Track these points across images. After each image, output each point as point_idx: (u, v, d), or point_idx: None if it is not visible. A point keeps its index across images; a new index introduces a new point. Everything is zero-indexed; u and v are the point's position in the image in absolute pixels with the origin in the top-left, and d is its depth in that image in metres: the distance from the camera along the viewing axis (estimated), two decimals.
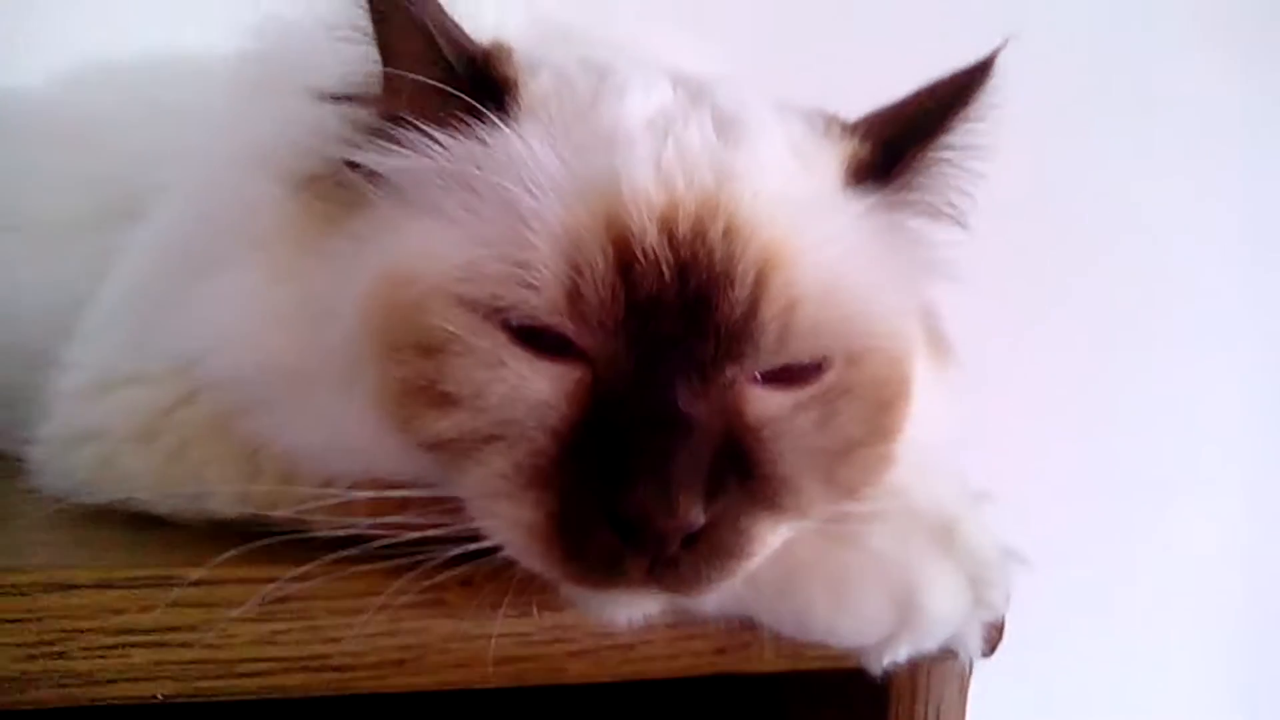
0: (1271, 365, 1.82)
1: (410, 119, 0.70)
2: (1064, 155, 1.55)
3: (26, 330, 0.94)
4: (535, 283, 0.66)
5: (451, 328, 0.67)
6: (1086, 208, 1.63)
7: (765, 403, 0.70)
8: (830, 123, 0.77)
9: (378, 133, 0.71)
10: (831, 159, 0.74)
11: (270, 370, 0.72)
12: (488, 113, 0.69)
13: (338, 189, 0.72)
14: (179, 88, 1.01)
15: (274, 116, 0.77)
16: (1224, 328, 1.78)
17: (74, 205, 1.00)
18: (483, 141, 0.69)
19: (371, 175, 0.71)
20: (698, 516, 0.64)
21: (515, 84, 0.71)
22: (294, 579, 0.66)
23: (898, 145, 0.75)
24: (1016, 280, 1.41)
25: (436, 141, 0.69)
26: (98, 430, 0.79)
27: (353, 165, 0.72)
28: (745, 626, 0.74)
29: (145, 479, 0.76)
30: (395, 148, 0.70)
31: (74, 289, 0.90)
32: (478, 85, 0.70)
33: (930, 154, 0.75)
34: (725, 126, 0.72)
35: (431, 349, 0.67)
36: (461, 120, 0.70)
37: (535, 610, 0.70)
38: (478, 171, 0.69)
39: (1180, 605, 1.81)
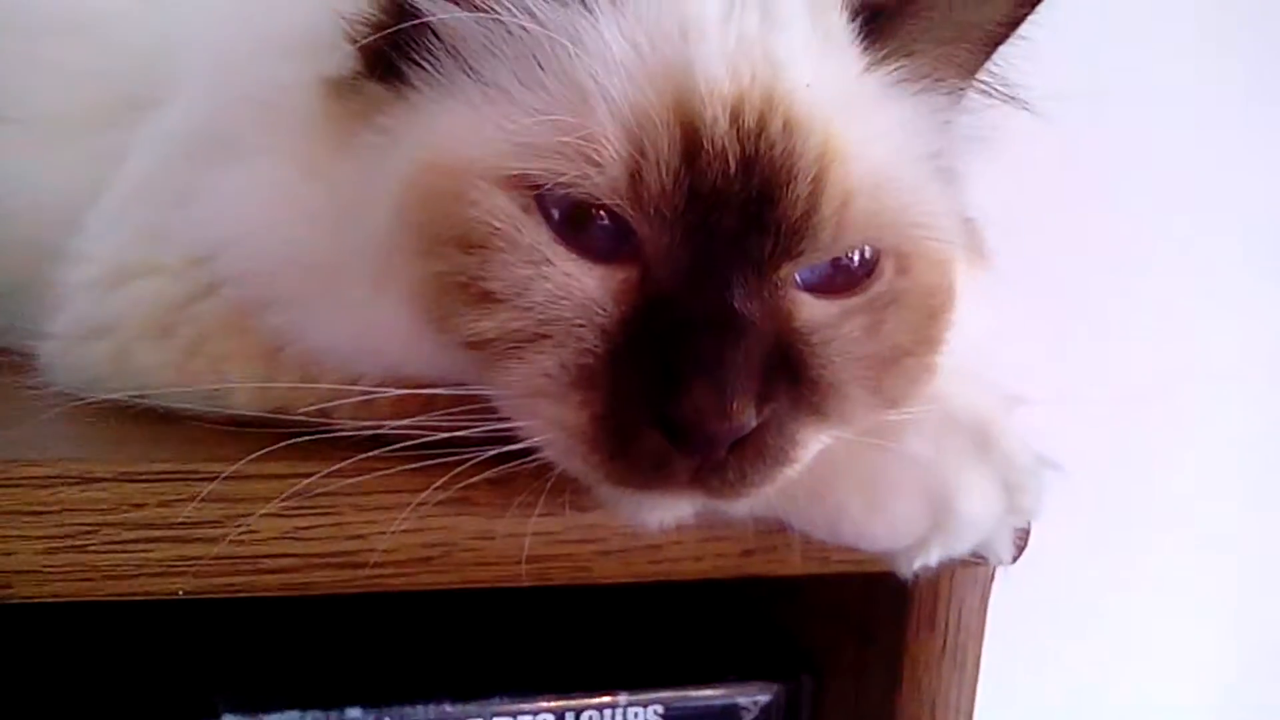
0: None
1: None
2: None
3: (32, 224, 0.91)
4: (598, 159, 0.64)
5: (495, 221, 0.65)
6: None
7: (814, 309, 0.68)
8: None
9: None
10: (857, 35, 0.72)
11: (294, 264, 0.70)
12: None
13: (368, 82, 0.70)
14: None
15: (300, 5, 0.74)
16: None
17: (81, 98, 0.97)
18: (564, 10, 0.66)
19: (404, 65, 0.69)
20: (750, 419, 0.63)
21: None
22: (324, 477, 0.65)
23: (918, 3, 0.73)
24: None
25: (518, 1, 0.66)
26: (111, 324, 0.77)
27: (383, 60, 0.69)
28: (773, 529, 0.74)
29: (161, 374, 0.74)
30: (471, 2, 0.67)
31: (83, 182, 0.87)
32: None
33: (959, 9, 0.73)
34: (765, 13, 0.70)
35: (473, 244, 0.65)
36: None
37: (568, 509, 0.69)
38: (547, 42, 0.66)
39: (1195, 522, 1.81)
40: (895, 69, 0.72)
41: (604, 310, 0.65)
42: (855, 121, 0.68)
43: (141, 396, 0.74)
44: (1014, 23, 0.73)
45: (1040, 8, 0.73)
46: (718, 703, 0.89)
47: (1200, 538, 1.80)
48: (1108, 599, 1.75)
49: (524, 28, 0.66)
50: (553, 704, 0.85)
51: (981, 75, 0.76)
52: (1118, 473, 1.64)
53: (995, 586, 0.82)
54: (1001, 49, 0.75)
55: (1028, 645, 1.38)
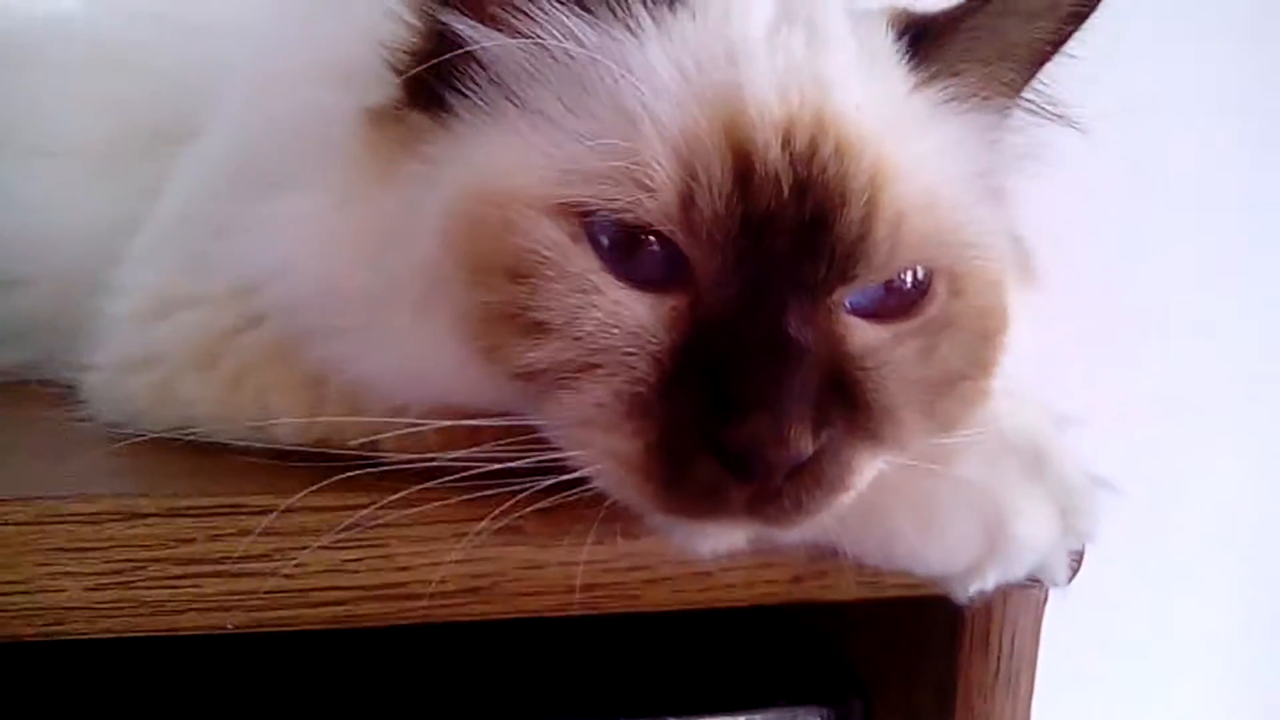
0: None
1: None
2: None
3: (71, 256, 0.92)
4: (650, 183, 0.63)
5: (544, 250, 0.64)
6: None
7: (867, 333, 0.68)
8: (896, 16, 0.74)
9: (492, 18, 0.67)
10: (903, 55, 0.72)
11: (339, 295, 0.69)
12: (643, 2, 0.67)
13: (411, 111, 0.69)
14: (226, 9, 0.98)
15: (340, 36, 0.74)
16: None
17: (119, 130, 0.97)
18: (610, 35, 0.66)
19: (446, 94, 0.68)
20: (808, 447, 0.63)
21: None
22: (377, 509, 0.64)
23: (965, 24, 0.72)
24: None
25: (563, 26, 0.66)
26: (154, 356, 0.77)
27: (425, 89, 0.69)
28: (824, 555, 0.73)
29: (204, 407, 0.75)
30: (513, 29, 0.67)
31: (121, 214, 0.88)
32: None
33: (1004, 30, 0.73)
34: (812, 35, 0.69)
35: (521, 273, 0.64)
36: (607, 4, 0.67)
37: (618, 538, 0.68)
38: (593, 67, 0.66)
39: (1239, 539, 1.79)
40: (942, 88, 0.72)
41: (656, 338, 0.64)
42: (905, 141, 0.68)
43: (185, 430, 0.73)
44: (1059, 41, 0.73)
45: (1085, 26, 0.72)
46: None
47: (1243, 554, 1.78)
48: (1153, 619, 1.73)
49: (569, 53, 0.66)
50: None
51: (1028, 93, 0.75)
52: (1162, 490, 1.62)
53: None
54: (1047, 67, 0.74)
55: (1076, 668, 1.35)
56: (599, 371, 0.64)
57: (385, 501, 0.65)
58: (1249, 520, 1.78)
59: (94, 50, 1.04)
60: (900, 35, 0.73)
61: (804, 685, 0.91)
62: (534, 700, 0.85)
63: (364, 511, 0.65)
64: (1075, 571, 0.76)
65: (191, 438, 0.74)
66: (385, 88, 0.70)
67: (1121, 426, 1.07)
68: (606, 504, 0.67)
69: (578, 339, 0.64)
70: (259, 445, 0.72)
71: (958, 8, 0.74)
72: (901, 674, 0.87)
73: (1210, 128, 1.61)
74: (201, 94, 0.87)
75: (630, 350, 0.64)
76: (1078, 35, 0.72)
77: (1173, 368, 1.64)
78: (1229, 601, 1.80)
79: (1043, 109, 0.76)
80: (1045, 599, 0.80)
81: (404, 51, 0.69)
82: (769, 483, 0.63)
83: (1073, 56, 0.74)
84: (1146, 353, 1.62)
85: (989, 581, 0.72)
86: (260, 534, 0.64)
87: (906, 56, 0.72)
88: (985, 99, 0.73)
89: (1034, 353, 0.76)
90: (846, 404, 0.66)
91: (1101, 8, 0.71)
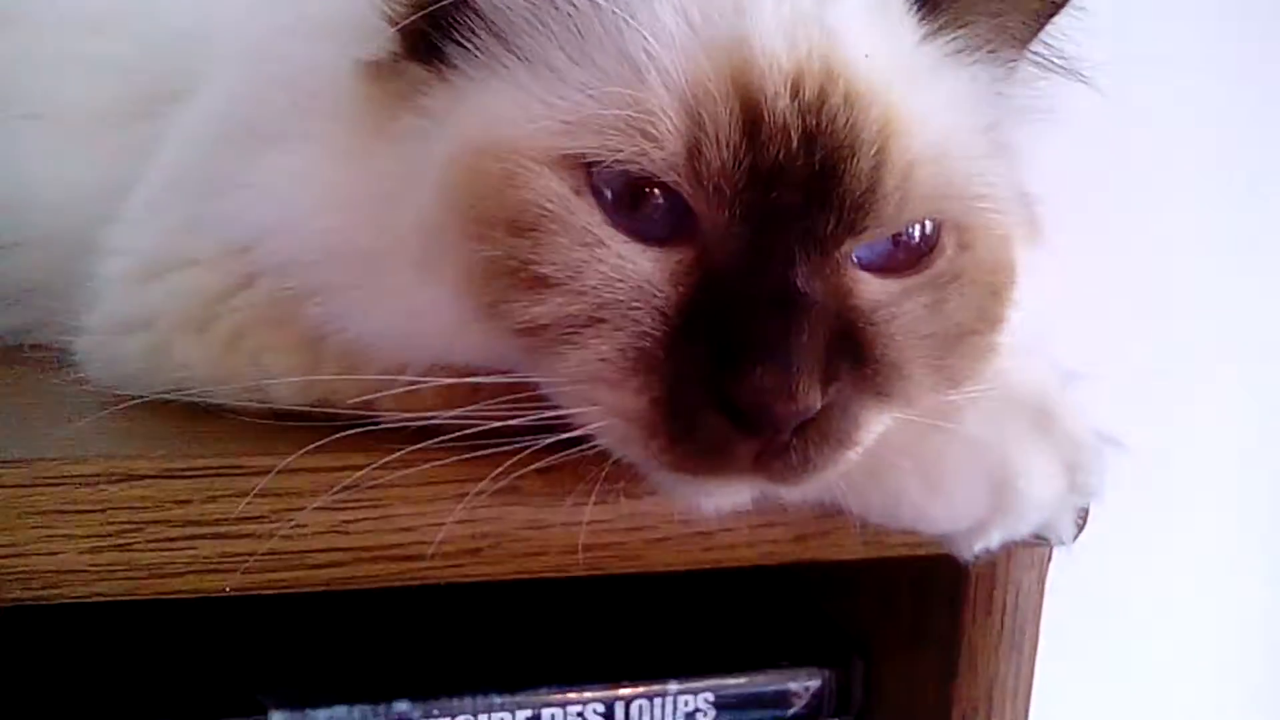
0: None
1: None
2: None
3: (65, 219, 0.90)
4: (655, 133, 0.62)
5: (546, 203, 0.63)
6: None
7: (876, 287, 0.67)
8: None
9: None
10: (911, 6, 0.71)
11: (336, 253, 0.68)
12: None
13: (409, 64, 0.68)
14: None
15: None
16: None
17: (112, 92, 0.96)
18: None
19: (445, 45, 0.67)
20: (816, 401, 0.62)
21: None
22: (374, 470, 0.64)
23: None
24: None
25: None
26: (148, 318, 0.76)
27: (424, 40, 0.68)
28: (828, 514, 0.72)
29: (200, 368, 0.73)
30: None
31: (115, 176, 0.86)
32: None
33: None
34: None
35: (523, 226, 0.63)
36: None
37: (620, 497, 0.68)
38: (597, 17, 0.65)
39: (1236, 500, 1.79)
40: (951, 39, 0.71)
41: (661, 292, 0.64)
42: (915, 92, 0.67)
43: (180, 392, 0.73)
44: None
45: None
46: (768, 689, 0.88)
47: (1246, 512, 1.78)
48: (1156, 580, 1.74)
49: (572, 2, 0.65)
50: (602, 694, 0.84)
51: (1036, 47, 0.74)
52: (1167, 446, 1.62)
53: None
54: (1056, 20, 0.73)
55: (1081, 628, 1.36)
56: (603, 326, 0.64)
57: (383, 462, 0.64)
58: (1254, 477, 1.79)
59: (83, 11, 1.02)
60: None
61: (806, 646, 0.91)
62: (532, 663, 0.84)
63: (361, 472, 0.64)
64: (1081, 529, 0.76)
65: (187, 399, 0.72)
66: (382, 40, 0.69)
67: (1129, 383, 1.07)
68: (608, 463, 0.66)
69: (581, 293, 0.63)
70: (256, 406, 0.71)
71: None
72: (904, 634, 0.87)
73: (1215, 86, 1.59)
74: (194, 54, 0.86)
75: (635, 305, 0.63)
76: None
77: (1179, 326, 1.63)
78: (1232, 560, 1.80)
79: (1051, 62, 0.75)
80: (1050, 557, 0.80)
81: (402, 3, 0.67)
82: (777, 437, 0.62)
83: (1081, 9, 0.73)
84: (1153, 311, 1.62)
85: (994, 540, 0.72)
86: (257, 495, 0.63)
87: (915, 7, 0.70)
88: (994, 51, 0.72)
89: (1042, 309, 0.75)
90: (854, 359, 0.65)
91: None
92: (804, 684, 0.88)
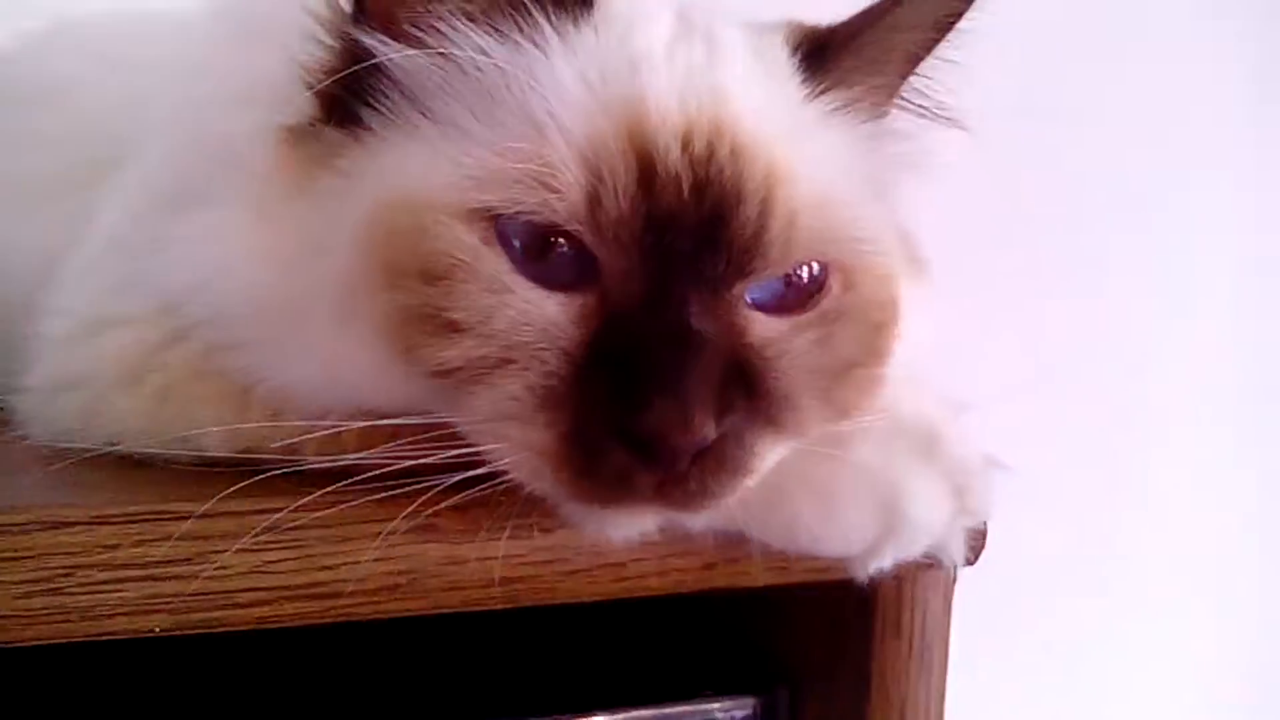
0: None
1: (454, 14, 0.70)
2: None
3: (10, 284, 0.93)
4: (557, 185, 0.67)
5: (456, 253, 0.67)
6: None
7: (767, 325, 0.71)
8: (791, 31, 0.78)
9: (403, 34, 0.70)
10: (796, 69, 0.76)
11: (260, 306, 0.72)
12: (548, 19, 0.70)
13: (325, 128, 0.72)
14: (150, 42, 1.01)
15: (258, 59, 0.76)
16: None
17: (50, 163, 0.99)
18: (517, 50, 0.70)
19: (359, 109, 0.71)
20: (710, 431, 0.66)
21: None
22: (292, 511, 0.67)
23: (855, 41, 0.76)
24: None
25: (471, 41, 0.70)
26: (84, 376, 0.79)
27: (339, 105, 0.72)
28: (734, 542, 0.76)
29: (133, 421, 0.76)
30: (423, 44, 0.70)
31: (55, 242, 0.89)
32: None
33: (890, 44, 0.77)
34: (710, 48, 0.73)
35: (436, 275, 0.67)
36: (514, 21, 0.70)
37: (534, 531, 0.71)
38: (503, 81, 0.69)
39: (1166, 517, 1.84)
40: (833, 98, 0.76)
41: (566, 334, 0.68)
42: (797, 145, 0.72)
43: (115, 445, 0.75)
44: (934, 46, 0.77)
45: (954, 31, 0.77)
46: (696, 719, 0.90)
47: (1155, 520, 1.86)
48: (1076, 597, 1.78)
49: (478, 67, 0.70)
50: None
51: (914, 97, 0.79)
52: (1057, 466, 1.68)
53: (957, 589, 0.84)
54: (933, 74, 0.79)
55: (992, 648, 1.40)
56: (512, 367, 0.67)
57: (300, 503, 0.67)
58: (1154, 493, 1.84)
59: (22, 88, 1.06)
60: (795, 50, 0.77)
61: (731, 676, 0.93)
62: (463, 698, 0.87)
63: (280, 514, 0.67)
64: (977, 551, 0.79)
65: (121, 453, 0.75)
66: (300, 106, 0.73)
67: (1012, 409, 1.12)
68: (520, 498, 0.70)
69: (491, 336, 0.67)
70: (187, 456, 0.74)
71: (849, 23, 0.78)
72: (822, 661, 0.90)
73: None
74: (130, 123, 0.89)
75: (542, 346, 0.67)
76: (951, 40, 0.77)
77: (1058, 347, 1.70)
78: (1146, 574, 1.85)
79: (929, 111, 0.80)
80: (954, 580, 0.83)
81: (317, 69, 0.72)
82: (675, 466, 0.66)
83: (952, 61, 0.78)
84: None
85: (886, 560, 0.75)
86: (180, 538, 0.66)
87: (798, 69, 0.75)
88: (874, 106, 0.77)
89: (929, 342, 0.79)
90: (748, 392, 0.69)
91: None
92: (730, 713, 0.91)
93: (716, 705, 0.91)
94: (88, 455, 0.75)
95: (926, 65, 0.78)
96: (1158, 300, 1.82)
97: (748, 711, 0.91)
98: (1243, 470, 1.93)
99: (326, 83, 0.72)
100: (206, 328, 0.75)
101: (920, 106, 0.80)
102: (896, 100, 0.79)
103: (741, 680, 0.93)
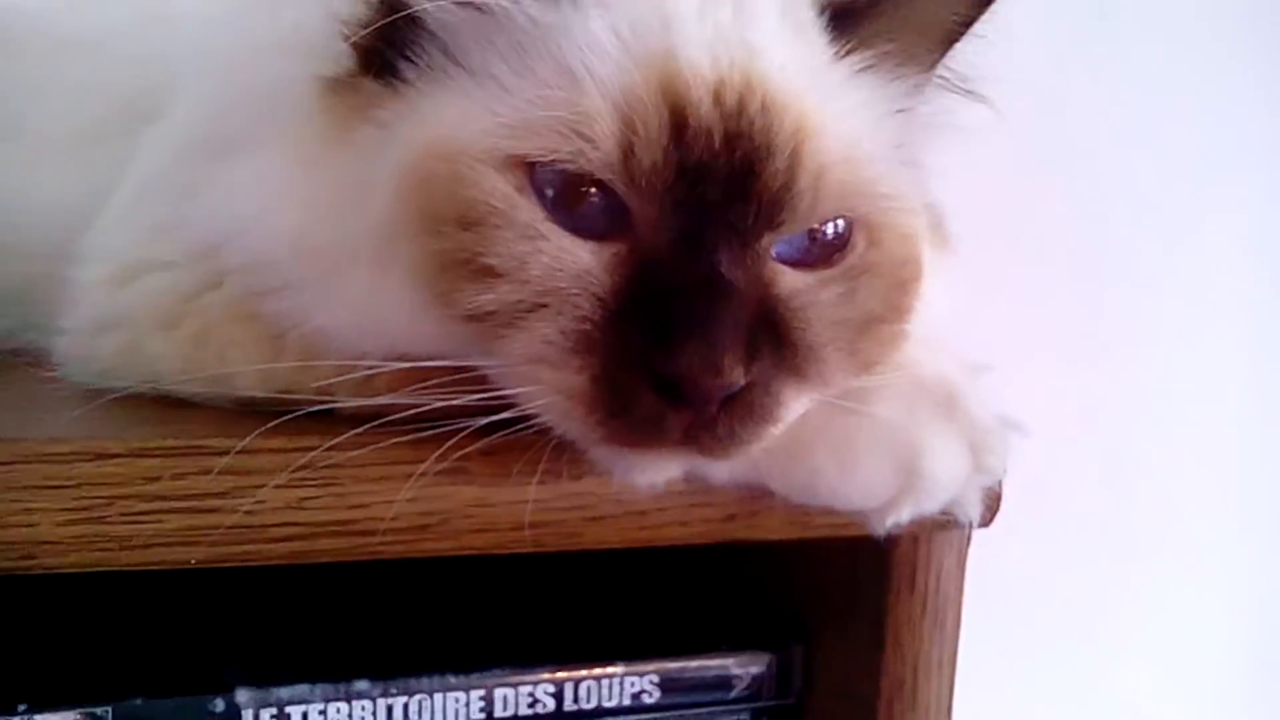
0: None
1: None
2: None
3: (43, 232, 0.95)
4: (592, 135, 0.68)
5: (492, 200, 0.69)
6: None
7: (793, 278, 0.73)
8: None
9: None
10: (824, 29, 0.77)
11: (297, 252, 0.74)
12: None
13: (363, 79, 0.74)
14: None
15: (296, 11, 0.78)
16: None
17: (87, 113, 1.00)
18: (553, 6, 0.71)
19: (397, 60, 0.73)
20: (739, 376, 0.68)
21: None
22: (327, 449, 0.68)
23: (883, 3, 0.77)
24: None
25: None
26: (122, 318, 0.81)
27: (376, 57, 0.73)
28: (754, 495, 0.77)
29: (169, 363, 0.78)
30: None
31: (91, 191, 0.91)
32: None
33: (917, 8, 0.78)
34: (739, 6, 0.75)
35: (471, 221, 0.69)
36: None
37: (563, 477, 0.73)
38: (537, 34, 0.71)
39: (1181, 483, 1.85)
40: (861, 59, 0.77)
41: (598, 280, 0.69)
42: (826, 102, 0.73)
43: (152, 385, 0.77)
44: (969, 21, 0.79)
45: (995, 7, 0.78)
46: (711, 673, 0.92)
47: (1161, 491, 1.86)
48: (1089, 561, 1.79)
49: (512, 17, 0.71)
50: (552, 675, 0.88)
51: (942, 70, 0.81)
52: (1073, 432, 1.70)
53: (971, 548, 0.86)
54: (960, 45, 0.80)
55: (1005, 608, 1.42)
56: (546, 312, 0.69)
57: (335, 442, 0.68)
58: (1160, 463, 1.86)
59: (59, 37, 1.08)
60: (822, 10, 0.78)
61: (747, 631, 0.95)
62: (486, 644, 0.89)
63: (315, 452, 0.69)
64: (993, 512, 0.81)
65: (158, 393, 0.77)
66: (339, 58, 0.75)
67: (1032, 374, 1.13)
68: (549, 443, 0.71)
69: (526, 282, 0.69)
70: (223, 396, 0.76)
71: None
72: (836, 617, 0.92)
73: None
74: (167, 73, 0.91)
75: (575, 291, 0.69)
76: (986, 16, 0.78)
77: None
78: (1156, 544, 1.87)
79: (955, 84, 0.81)
80: (969, 539, 0.85)
81: (354, 22, 0.73)
82: (704, 410, 0.68)
83: (982, 36, 0.79)
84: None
85: (903, 516, 0.76)
86: (220, 473, 0.68)
87: (827, 28, 0.77)
88: (901, 72, 0.79)
89: (948, 308, 0.81)
90: (775, 342, 0.71)
91: None
92: (746, 668, 0.93)
93: (732, 660, 0.93)
94: (126, 394, 0.77)
95: (962, 41, 0.79)
96: (1178, 270, 1.82)
97: (762, 667, 0.93)
98: (1261, 431, 1.93)
99: (363, 35, 0.73)
100: (243, 273, 0.77)
101: (944, 78, 0.81)
102: (933, 74, 0.81)
103: (757, 636, 0.95)
